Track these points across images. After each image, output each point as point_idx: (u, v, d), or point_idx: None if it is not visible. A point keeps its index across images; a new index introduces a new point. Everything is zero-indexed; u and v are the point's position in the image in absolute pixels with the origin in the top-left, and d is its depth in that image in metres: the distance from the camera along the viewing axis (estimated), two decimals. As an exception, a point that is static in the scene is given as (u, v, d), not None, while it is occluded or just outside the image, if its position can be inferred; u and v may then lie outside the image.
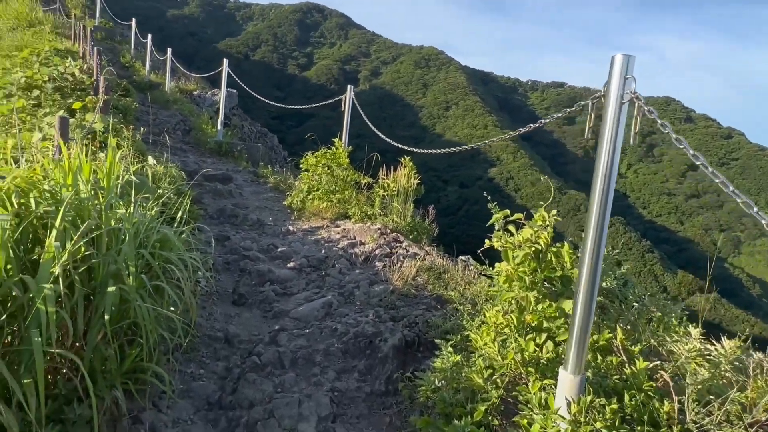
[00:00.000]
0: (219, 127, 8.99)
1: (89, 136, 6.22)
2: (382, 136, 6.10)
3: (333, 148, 6.12)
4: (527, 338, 2.28)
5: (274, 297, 3.56)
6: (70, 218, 2.11)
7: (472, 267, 4.32)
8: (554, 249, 2.34)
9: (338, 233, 5.17)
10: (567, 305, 2.31)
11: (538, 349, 2.22)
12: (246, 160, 8.61)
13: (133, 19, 18.99)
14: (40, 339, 1.68)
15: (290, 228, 5.37)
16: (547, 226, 2.31)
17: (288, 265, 4.24)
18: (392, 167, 6.04)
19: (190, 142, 9.25)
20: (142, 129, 7.22)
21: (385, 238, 4.84)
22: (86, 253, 2.10)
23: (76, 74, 8.30)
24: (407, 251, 4.45)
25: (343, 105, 6.25)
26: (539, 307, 2.33)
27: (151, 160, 6.03)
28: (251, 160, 8.76)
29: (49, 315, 1.69)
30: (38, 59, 9.36)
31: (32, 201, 2.07)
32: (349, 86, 6.23)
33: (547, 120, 2.77)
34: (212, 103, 16.62)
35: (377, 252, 4.39)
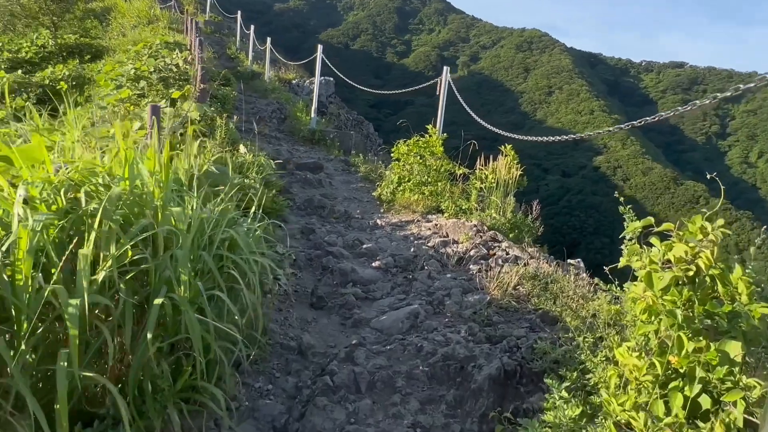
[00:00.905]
0: (313, 115, 8.89)
1: (184, 124, 6.31)
2: (481, 122, 5.53)
3: (426, 135, 5.66)
4: (671, 387, 1.70)
5: (355, 302, 3.21)
6: (121, 216, 1.86)
7: (584, 275, 3.67)
8: (718, 272, 1.71)
9: (429, 229, 4.72)
10: (733, 348, 1.69)
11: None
12: (338, 148, 8.41)
13: (239, 12, 19.74)
14: (65, 363, 1.42)
15: (378, 222, 5.01)
16: (712, 241, 1.68)
17: (373, 264, 3.88)
18: (490, 156, 5.46)
19: (284, 130, 9.26)
20: (236, 118, 7.25)
21: (481, 237, 4.31)
22: (136, 257, 1.85)
23: (180, 65, 8.58)
24: (507, 253, 3.89)
25: (438, 88, 5.76)
26: (691, 347, 1.72)
27: (242, 148, 5.97)
28: (343, 149, 8.56)
29: (70, 337, 1.42)
30: (149, 52, 9.85)
31: (83, 196, 1.85)
32: (444, 68, 5.71)
33: (698, 105, 2.09)
34: (309, 91, 16.81)
35: (472, 253, 3.88)
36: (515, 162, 5.38)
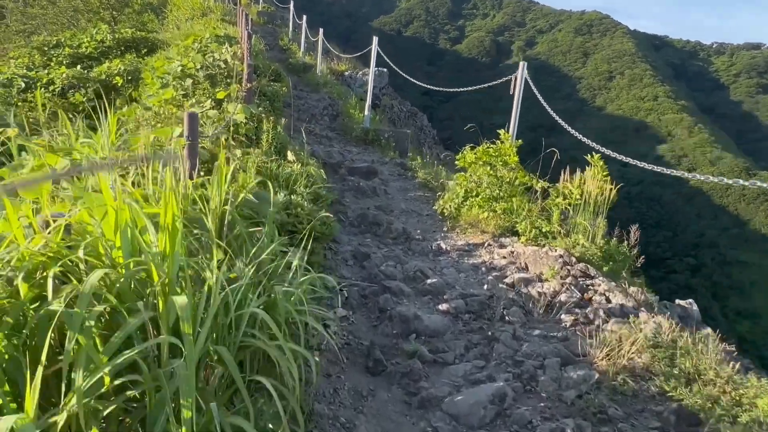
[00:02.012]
0: (366, 112, 8.27)
1: (230, 128, 5.83)
2: (566, 126, 4.72)
3: (498, 141, 4.91)
4: None
5: (421, 369, 2.57)
6: (106, 311, 1.28)
7: (709, 335, 2.87)
8: None
9: (504, 257, 4.00)
10: None
11: None
12: (393, 149, 7.76)
13: (291, 2, 19.34)
14: None
15: (441, 244, 4.33)
16: None
17: (440, 308, 3.22)
18: (576, 169, 4.65)
19: (336, 128, 8.69)
20: (282, 120, 6.72)
21: (569, 271, 3.56)
22: (121, 380, 1.26)
23: (228, 61, 8.15)
24: (607, 299, 3.13)
25: (512, 86, 4.97)
26: None
27: (290, 155, 5.43)
28: (399, 149, 7.90)
29: None
30: (198, 47, 9.51)
31: (50, 286, 1.28)
32: (521, 64, 4.90)
33: None
34: (362, 83, 16.21)
35: (563, 298, 3.15)
36: (605, 175, 4.55)
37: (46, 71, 12.54)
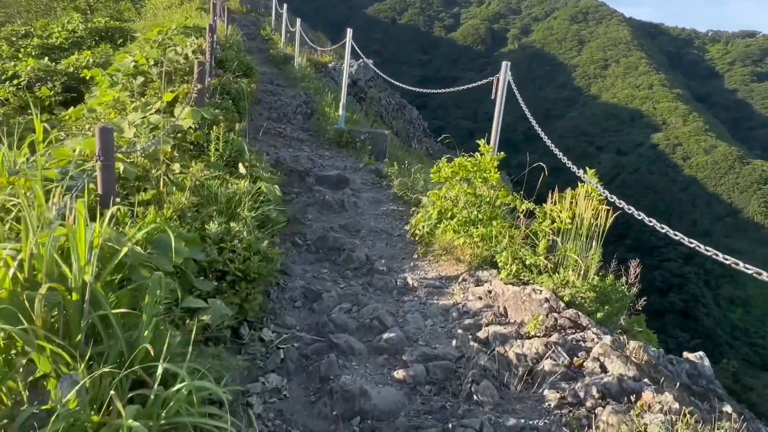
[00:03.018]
0: (341, 111, 7.58)
1: (177, 135, 5.15)
2: (546, 140, 4.08)
3: (476, 153, 4.26)
4: None
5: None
6: None
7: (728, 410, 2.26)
8: None
9: (479, 297, 3.37)
10: None
11: None
12: (369, 153, 7.09)
13: (275, -10, 18.49)
14: None
15: (409, 279, 3.69)
16: None
17: (395, 374, 2.59)
18: (561, 181, 4.02)
19: (309, 129, 8.00)
20: (243, 123, 6.03)
21: (556, 320, 2.94)
22: None
23: (189, 55, 7.43)
24: (601, 365, 2.51)
25: (493, 90, 4.31)
26: None
27: (242, 168, 4.76)
28: (376, 152, 7.23)
29: None
30: (161, 39, 8.77)
31: None
32: (504, 64, 4.23)
33: None
34: (348, 75, 15.46)
35: (547, 363, 2.53)
36: (599, 196, 3.92)
37: (12, 63, 11.75)
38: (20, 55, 13.53)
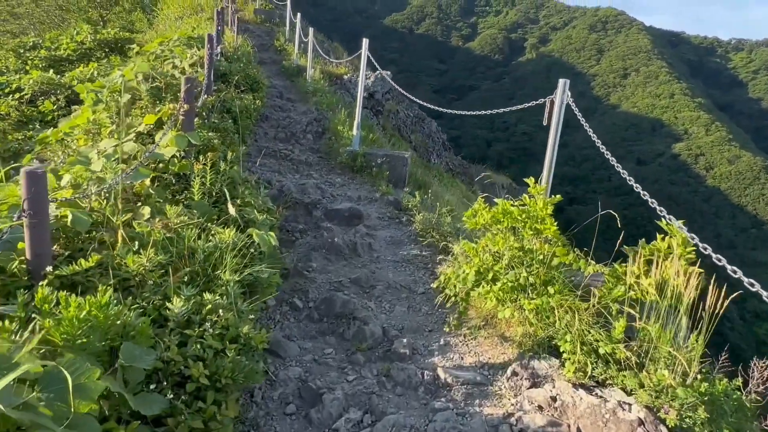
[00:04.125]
0: (355, 131, 6.71)
1: (160, 164, 4.32)
2: (622, 172, 3.17)
3: (525, 195, 3.34)
4: None
5: None
6: None
7: None
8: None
9: (539, 406, 2.44)
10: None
11: None
12: (387, 180, 6.20)
13: (288, 0, 17.82)
14: None
15: (440, 370, 2.77)
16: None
17: None
18: (632, 227, 3.08)
19: (320, 150, 7.15)
20: (239, 147, 5.19)
21: (658, 457, 1.99)
22: None
23: (186, 69, 6.65)
24: None
25: (547, 113, 3.39)
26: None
27: (231, 208, 3.90)
28: (394, 178, 6.34)
29: None
30: (161, 50, 8.03)
31: None
32: (561, 81, 3.32)
33: None
34: (365, 87, 14.65)
35: None
36: (690, 252, 3.00)
37: (17, 76, 11.19)
38: (27, 68, 13.02)
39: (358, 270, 4.09)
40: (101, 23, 20.82)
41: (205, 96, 6.03)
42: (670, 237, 3.13)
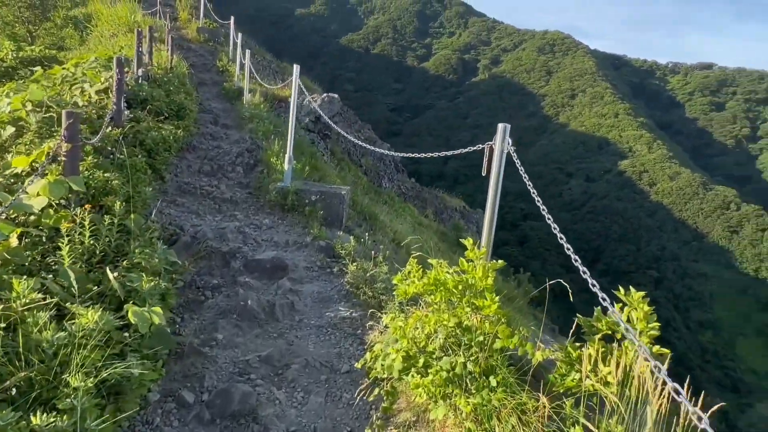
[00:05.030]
0: (287, 166, 6.07)
1: (31, 216, 3.55)
2: (553, 227, 2.68)
3: (462, 260, 2.81)
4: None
5: None
6: None
7: None
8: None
9: None
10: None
11: None
12: (321, 220, 5.58)
13: (232, 18, 17.13)
14: None
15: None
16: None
17: None
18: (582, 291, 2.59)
19: (250, 186, 6.47)
20: (149, 188, 4.48)
21: None
22: None
23: (92, 96, 5.88)
24: None
25: (486, 162, 2.89)
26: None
27: (111, 277, 3.20)
28: (329, 219, 5.73)
29: None
30: (71, 73, 7.19)
31: None
32: (500, 126, 2.82)
33: None
34: (310, 111, 14.06)
35: None
36: (654, 329, 2.53)
37: (-77, 97, 9.97)
38: (-62, 88, 11.79)
39: (272, 342, 3.43)
40: (29, 39, 19.45)
41: (111, 128, 5.27)
42: (630, 308, 2.66)
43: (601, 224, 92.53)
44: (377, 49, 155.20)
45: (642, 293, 2.59)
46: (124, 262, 3.34)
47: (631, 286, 2.66)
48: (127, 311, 2.77)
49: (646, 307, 2.57)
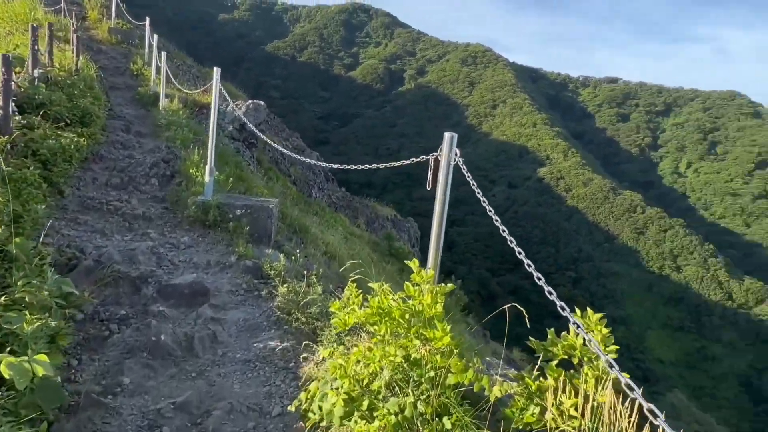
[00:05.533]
0: (208, 177, 5.55)
1: None
2: (497, 221, 2.48)
3: (408, 284, 2.51)
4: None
5: None
6: None
7: None
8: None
9: None
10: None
11: None
12: (247, 237, 5.12)
13: (147, 19, 16.05)
14: None
15: None
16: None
17: None
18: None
19: (166, 200, 5.86)
20: (42, 205, 3.84)
21: None
22: None
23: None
24: None
25: (430, 176, 2.63)
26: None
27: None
28: (257, 234, 5.27)
29: None
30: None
31: None
32: (447, 135, 2.55)
33: None
34: (234, 119, 13.35)
35: None
36: (612, 352, 2.36)
37: None
38: None
39: (190, 383, 2.97)
40: None
41: (-5, 135, 4.53)
42: (587, 330, 2.48)
43: (523, 229, 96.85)
44: (304, 56, 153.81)
45: (599, 315, 2.42)
46: (2, 299, 2.75)
47: (588, 308, 2.48)
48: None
49: (604, 330, 2.40)
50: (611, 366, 2.02)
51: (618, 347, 2.39)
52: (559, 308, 1.98)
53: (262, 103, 14.34)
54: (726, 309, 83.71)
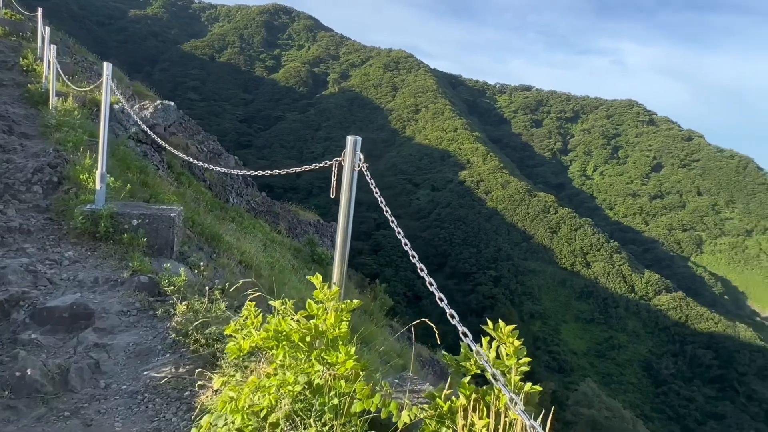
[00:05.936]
0: (99, 184, 4.99)
1: None
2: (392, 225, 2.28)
3: (310, 302, 2.28)
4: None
5: None
6: None
7: None
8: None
9: None
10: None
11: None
12: (145, 249, 4.64)
13: (40, 10, 14.62)
14: None
15: None
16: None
17: None
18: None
19: (50, 208, 5.22)
20: None
21: None
22: None
23: None
24: None
25: (333, 183, 2.42)
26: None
27: None
28: (156, 247, 4.80)
29: None
30: None
31: None
32: (350, 138, 2.36)
33: None
34: (140, 121, 12.41)
35: None
36: (524, 364, 2.27)
37: None
38: None
39: (61, 425, 2.55)
40: None
41: None
42: (498, 342, 2.37)
43: (446, 230, 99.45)
44: (224, 57, 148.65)
45: (512, 327, 2.32)
46: None
47: (500, 320, 2.38)
48: None
49: (516, 342, 2.30)
50: (502, 384, 1.90)
51: (530, 359, 2.30)
52: (461, 335, 1.84)
53: (171, 103, 13.47)
54: (629, 300, 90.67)
